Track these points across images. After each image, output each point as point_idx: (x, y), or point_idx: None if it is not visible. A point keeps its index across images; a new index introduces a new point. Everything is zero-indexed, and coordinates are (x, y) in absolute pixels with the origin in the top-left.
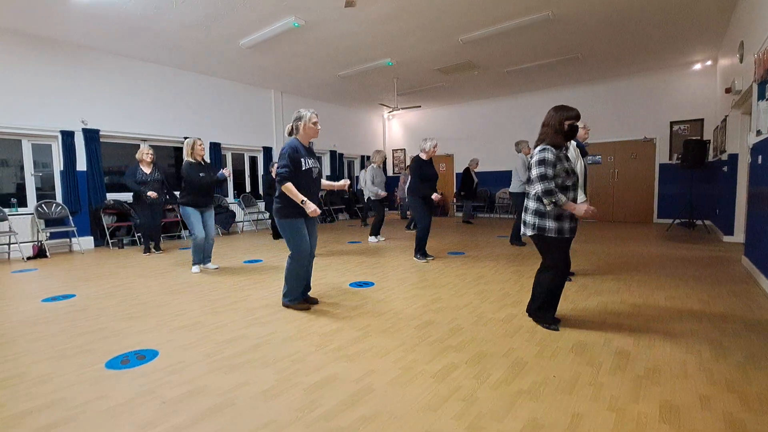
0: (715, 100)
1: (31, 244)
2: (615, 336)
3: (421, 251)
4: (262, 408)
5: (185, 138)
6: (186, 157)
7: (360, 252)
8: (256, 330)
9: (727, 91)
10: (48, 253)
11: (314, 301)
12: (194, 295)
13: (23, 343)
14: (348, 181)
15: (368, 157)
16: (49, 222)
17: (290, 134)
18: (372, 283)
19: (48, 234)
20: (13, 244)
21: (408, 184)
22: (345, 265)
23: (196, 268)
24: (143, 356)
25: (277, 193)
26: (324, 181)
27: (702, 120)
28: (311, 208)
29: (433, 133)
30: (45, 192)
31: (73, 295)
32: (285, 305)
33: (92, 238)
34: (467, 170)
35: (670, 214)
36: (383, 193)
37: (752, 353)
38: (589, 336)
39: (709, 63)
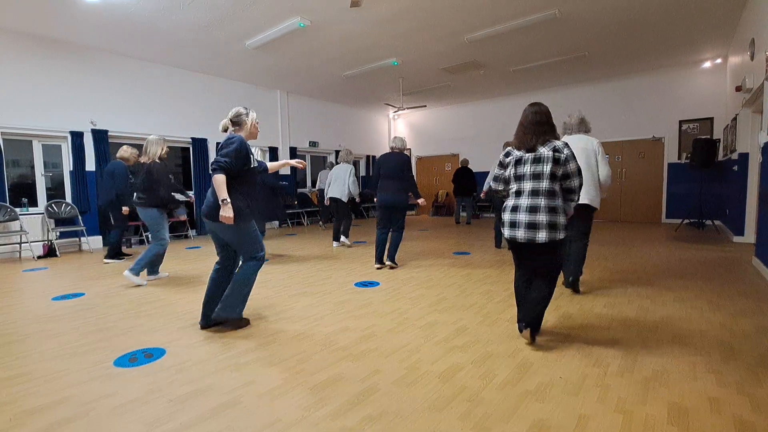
0: (725, 99)
1: (42, 243)
2: (622, 337)
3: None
4: (268, 407)
5: (160, 137)
6: (156, 158)
7: (364, 252)
8: (262, 329)
9: (738, 89)
10: (58, 252)
11: (246, 323)
12: (201, 294)
13: (34, 340)
14: (303, 162)
15: (374, 157)
16: (59, 221)
17: (228, 129)
18: (377, 283)
19: (58, 233)
20: (24, 243)
21: (396, 184)
22: (350, 264)
23: (152, 277)
24: (151, 354)
25: (212, 193)
26: (271, 164)
27: (712, 119)
28: (229, 213)
29: (439, 132)
30: (55, 192)
31: (83, 294)
32: (228, 320)
33: (101, 237)
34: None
35: (678, 215)
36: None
37: (763, 355)
38: (595, 336)
39: (718, 61)
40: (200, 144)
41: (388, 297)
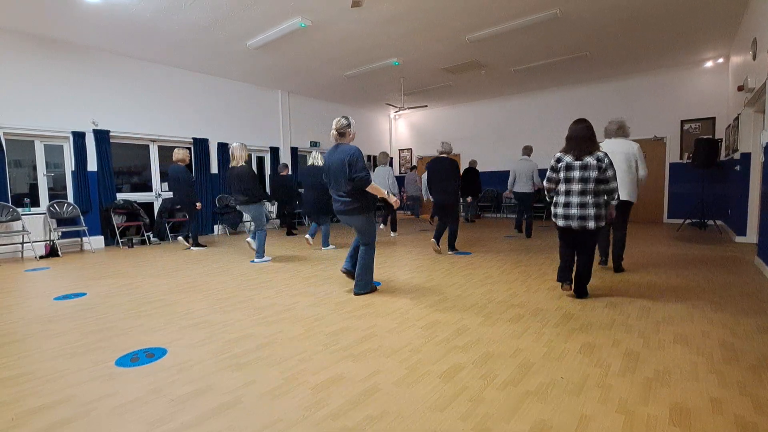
0: (727, 98)
1: (44, 243)
2: (624, 337)
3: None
4: (269, 407)
5: (242, 143)
6: (242, 161)
7: None
8: (263, 329)
9: (740, 88)
10: (60, 252)
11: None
12: (202, 294)
13: (35, 340)
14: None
15: (375, 157)
16: (61, 221)
17: (337, 140)
18: (378, 283)
19: (60, 233)
20: (26, 243)
21: (448, 185)
22: None
23: (258, 261)
24: (152, 354)
25: (351, 195)
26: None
27: (713, 118)
28: (394, 198)
29: (440, 132)
30: (57, 192)
31: (85, 294)
32: (366, 292)
33: (102, 237)
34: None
35: (680, 214)
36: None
37: (765, 356)
38: (597, 337)
39: (720, 60)
40: (202, 144)
41: (389, 297)
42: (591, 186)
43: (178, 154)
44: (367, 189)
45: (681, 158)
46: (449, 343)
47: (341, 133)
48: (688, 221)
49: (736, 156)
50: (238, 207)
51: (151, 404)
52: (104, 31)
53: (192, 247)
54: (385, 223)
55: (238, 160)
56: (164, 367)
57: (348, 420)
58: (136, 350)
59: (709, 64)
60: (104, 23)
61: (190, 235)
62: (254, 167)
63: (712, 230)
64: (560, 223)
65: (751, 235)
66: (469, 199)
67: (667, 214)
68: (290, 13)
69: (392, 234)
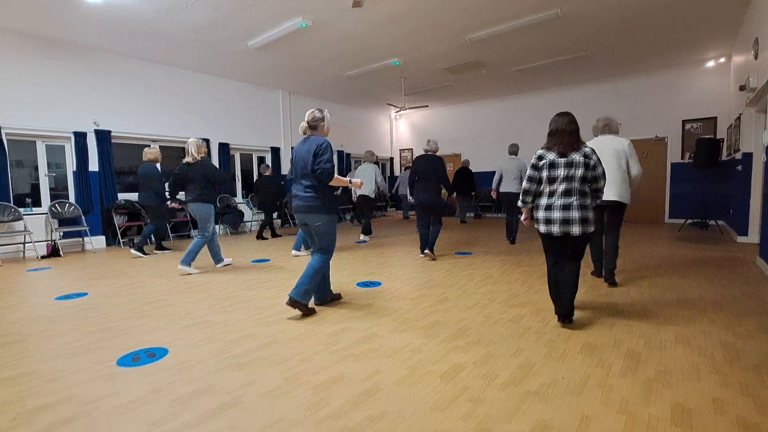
0: (729, 98)
1: (45, 243)
2: (625, 337)
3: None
4: (269, 406)
5: (202, 139)
6: (203, 155)
7: (367, 252)
8: (264, 329)
9: (742, 88)
10: (61, 252)
11: (338, 297)
12: (203, 294)
13: (37, 340)
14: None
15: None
16: (63, 221)
17: (307, 132)
18: (379, 283)
19: (61, 233)
20: (27, 243)
21: (438, 185)
22: (352, 264)
23: (220, 265)
24: (153, 354)
25: (315, 190)
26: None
27: (715, 118)
28: (358, 182)
29: (441, 132)
30: (58, 192)
31: (86, 294)
32: (304, 304)
33: (104, 237)
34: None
35: (682, 215)
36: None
37: (767, 356)
38: (598, 337)
39: (722, 60)
40: None
41: (390, 297)
42: (577, 186)
43: (150, 154)
44: (330, 183)
45: (682, 158)
46: (450, 343)
47: (313, 126)
48: (689, 221)
49: (738, 156)
50: (187, 205)
51: (152, 404)
52: (105, 32)
53: (155, 251)
54: (361, 225)
55: (194, 156)
56: (165, 367)
57: (348, 420)
58: (137, 350)
59: (711, 63)
60: (105, 23)
61: (151, 241)
62: (254, 167)
63: (713, 230)
64: (541, 229)
65: (753, 236)
66: (453, 195)
67: (669, 214)
68: (291, 14)
69: (362, 237)
